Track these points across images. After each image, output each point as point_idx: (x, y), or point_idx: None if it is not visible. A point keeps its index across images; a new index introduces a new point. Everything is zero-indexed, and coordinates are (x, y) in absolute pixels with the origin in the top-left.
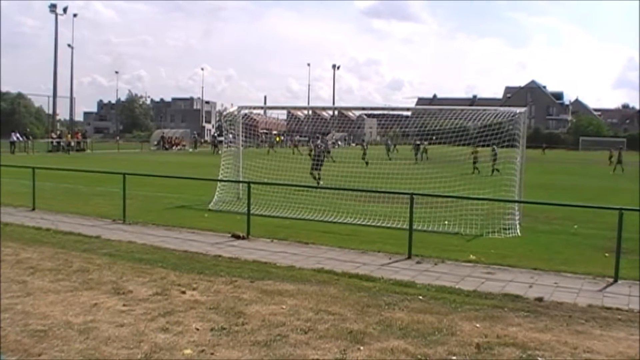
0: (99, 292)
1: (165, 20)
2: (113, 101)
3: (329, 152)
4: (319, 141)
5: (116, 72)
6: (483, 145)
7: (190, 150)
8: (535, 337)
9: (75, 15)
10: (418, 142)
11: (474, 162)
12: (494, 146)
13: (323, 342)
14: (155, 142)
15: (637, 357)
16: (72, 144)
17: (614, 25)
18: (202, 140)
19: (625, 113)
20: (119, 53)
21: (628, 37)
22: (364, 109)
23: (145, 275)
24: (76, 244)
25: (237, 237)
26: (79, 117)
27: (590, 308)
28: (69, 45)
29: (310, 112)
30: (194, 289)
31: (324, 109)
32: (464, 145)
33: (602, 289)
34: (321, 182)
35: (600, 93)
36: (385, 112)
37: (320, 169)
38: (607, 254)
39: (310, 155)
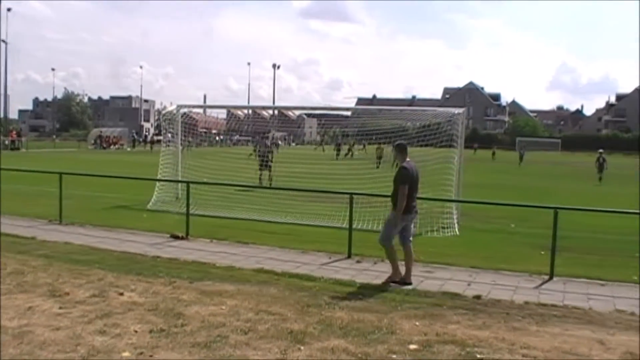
0: (34, 295)
1: (102, 17)
2: (49, 99)
3: (271, 152)
4: (264, 140)
5: (52, 69)
6: (421, 146)
7: (129, 149)
8: (473, 334)
9: (9, 9)
10: (339, 142)
11: (379, 158)
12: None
13: (263, 343)
14: (93, 141)
15: (571, 351)
16: (7, 142)
17: (548, 29)
18: (141, 140)
19: (560, 114)
20: (54, 50)
21: (562, 41)
22: (304, 108)
23: (82, 277)
24: (11, 245)
25: (176, 238)
26: (13, 115)
27: (526, 305)
28: (3, 41)
29: (250, 111)
30: (132, 291)
31: (264, 108)
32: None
33: (538, 286)
34: (272, 183)
35: (536, 95)
36: (326, 111)
37: (269, 168)
38: (543, 252)
39: (254, 154)
